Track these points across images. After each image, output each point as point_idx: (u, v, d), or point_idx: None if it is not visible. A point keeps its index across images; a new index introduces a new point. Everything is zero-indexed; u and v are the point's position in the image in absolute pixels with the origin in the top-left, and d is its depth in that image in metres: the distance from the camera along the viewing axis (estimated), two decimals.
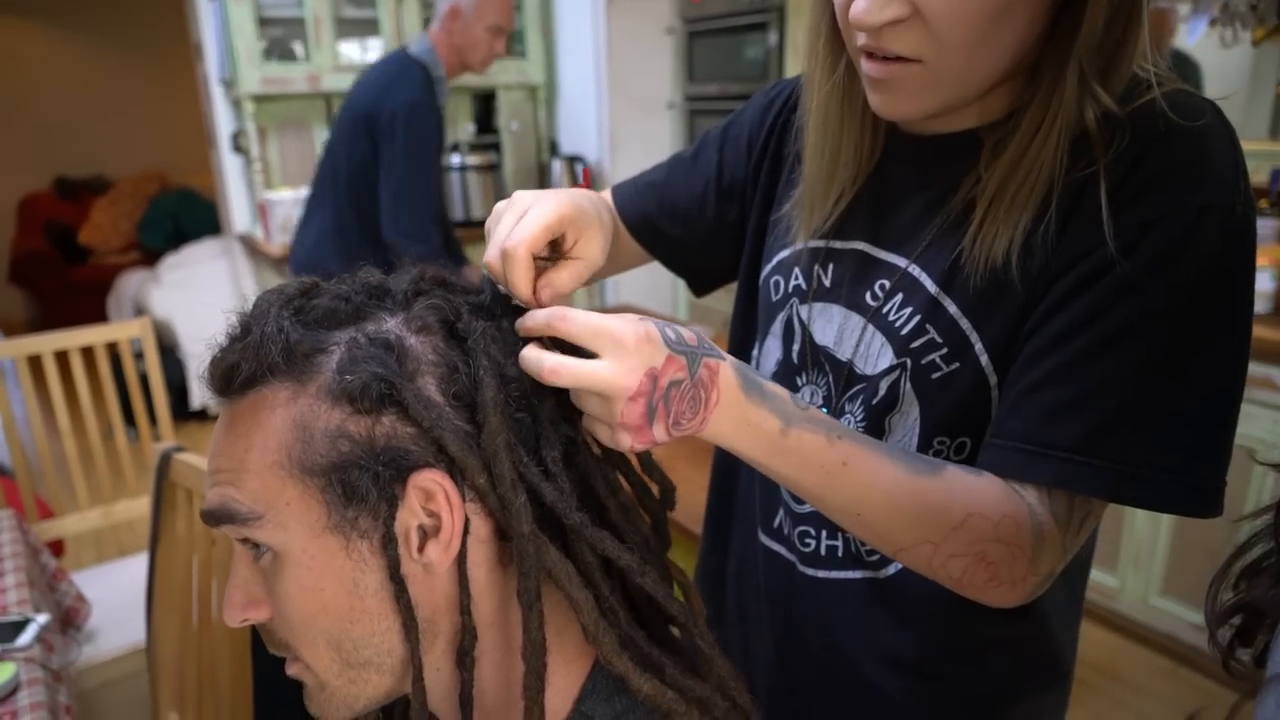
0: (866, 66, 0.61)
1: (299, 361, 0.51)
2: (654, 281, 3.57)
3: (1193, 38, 2.23)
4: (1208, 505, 0.58)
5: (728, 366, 0.55)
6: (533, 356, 0.52)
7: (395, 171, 2.16)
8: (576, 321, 0.52)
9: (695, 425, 0.54)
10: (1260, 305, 2.05)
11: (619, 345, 0.50)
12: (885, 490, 0.58)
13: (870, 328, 0.69)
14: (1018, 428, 0.60)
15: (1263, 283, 2.04)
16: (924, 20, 0.56)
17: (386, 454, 0.51)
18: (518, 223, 0.56)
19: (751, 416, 0.55)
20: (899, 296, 0.67)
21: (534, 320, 0.53)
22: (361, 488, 0.50)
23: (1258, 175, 2.18)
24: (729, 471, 0.90)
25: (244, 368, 0.51)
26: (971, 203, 0.63)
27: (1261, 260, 1.99)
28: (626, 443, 0.53)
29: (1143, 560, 2.17)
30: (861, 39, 0.60)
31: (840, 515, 0.60)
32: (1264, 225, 2.12)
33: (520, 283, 0.55)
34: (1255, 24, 2.15)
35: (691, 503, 1.44)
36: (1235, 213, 0.56)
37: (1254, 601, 0.35)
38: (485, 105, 3.79)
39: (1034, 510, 0.59)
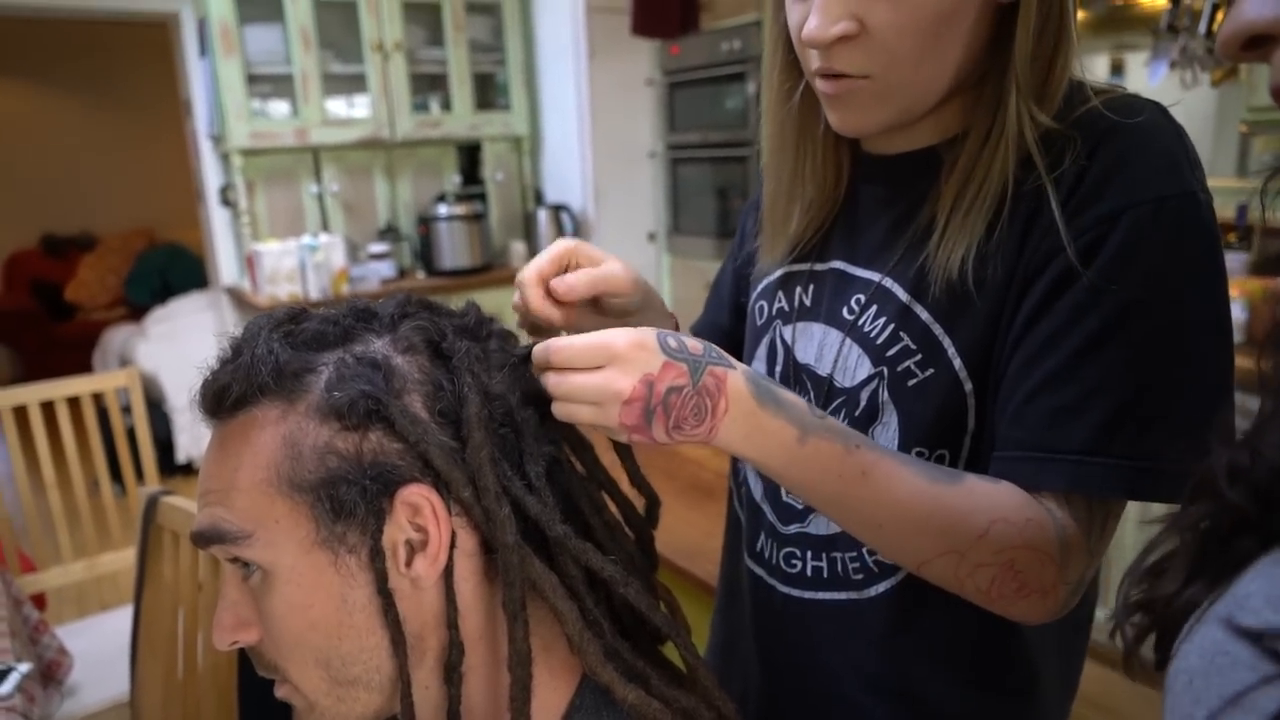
0: (821, 85, 0.65)
1: (288, 381, 0.53)
2: None
3: (1154, 80, 2.31)
4: None
5: (738, 375, 0.56)
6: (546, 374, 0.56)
7: None
8: (570, 348, 0.55)
9: (703, 433, 0.55)
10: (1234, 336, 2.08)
11: (613, 354, 0.53)
12: (906, 500, 0.57)
13: (848, 341, 0.71)
14: (1022, 437, 0.60)
15: (1234, 313, 2.07)
16: (871, 36, 0.60)
17: (374, 469, 0.52)
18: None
19: (766, 425, 0.56)
20: (873, 308, 0.69)
21: (535, 359, 0.57)
22: (350, 502, 0.52)
23: (1224, 211, 2.23)
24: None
25: (235, 388, 0.53)
26: (934, 216, 0.66)
27: (1231, 292, 2.02)
28: (624, 437, 0.56)
29: None
30: (816, 62, 0.64)
31: (860, 527, 0.59)
32: (1232, 259, 2.17)
33: (530, 297, 0.62)
34: (1213, 66, 2.23)
35: (676, 536, 1.45)
36: (1196, 199, 0.58)
37: (1155, 599, 0.35)
38: (470, 156, 3.85)
39: (1055, 515, 0.58)
